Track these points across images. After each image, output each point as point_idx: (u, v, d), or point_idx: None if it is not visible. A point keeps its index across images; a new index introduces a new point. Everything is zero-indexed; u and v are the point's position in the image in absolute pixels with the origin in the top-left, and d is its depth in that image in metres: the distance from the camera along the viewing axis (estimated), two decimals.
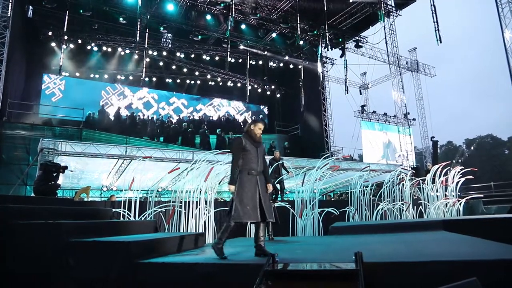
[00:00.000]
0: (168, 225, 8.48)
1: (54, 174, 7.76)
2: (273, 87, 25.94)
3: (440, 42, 17.79)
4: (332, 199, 16.54)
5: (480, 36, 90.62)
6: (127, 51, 20.44)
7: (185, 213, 8.40)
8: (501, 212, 9.72)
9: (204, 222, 8.56)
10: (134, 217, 8.45)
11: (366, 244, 4.87)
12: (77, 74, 20.26)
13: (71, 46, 19.05)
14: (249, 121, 6.14)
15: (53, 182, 7.70)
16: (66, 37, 17.56)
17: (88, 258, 4.00)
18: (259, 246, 4.16)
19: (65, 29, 17.01)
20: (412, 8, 21.54)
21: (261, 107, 26.58)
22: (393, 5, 20.89)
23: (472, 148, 53.87)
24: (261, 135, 4.55)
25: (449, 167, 11.73)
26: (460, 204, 11.25)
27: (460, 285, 2.43)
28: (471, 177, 12.10)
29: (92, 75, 20.74)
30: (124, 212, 8.47)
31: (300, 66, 23.64)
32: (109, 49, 20.17)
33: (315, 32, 21.04)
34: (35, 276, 4.00)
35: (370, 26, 22.09)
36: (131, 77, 21.55)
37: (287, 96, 25.53)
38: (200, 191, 8.53)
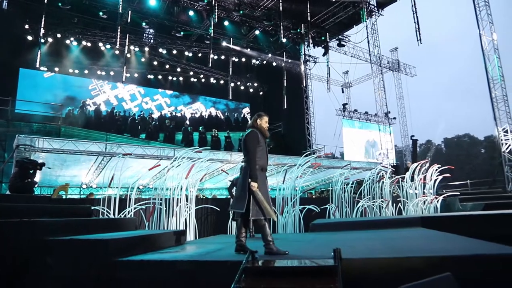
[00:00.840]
0: (148, 222, 8.42)
1: (31, 171, 7.57)
2: (255, 84, 25.93)
3: (421, 42, 18.11)
4: (313, 197, 16.65)
5: (460, 38, 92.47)
6: (108, 46, 20.08)
7: (165, 210, 8.34)
8: (476, 209, 9.95)
9: (185, 219, 8.53)
10: (114, 214, 8.35)
11: (345, 241, 4.93)
12: (56, 69, 19.78)
13: (50, 40, 18.60)
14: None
15: (29, 180, 7.52)
16: (43, 31, 17.09)
17: (66, 257, 3.93)
18: (240, 242, 4.14)
19: (42, 23, 16.58)
20: (395, 9, 21.88)
21: (244, 104, 26.51)
22: (375, 4, 21.13)
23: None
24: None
25: (426, 165, 11.98)
26: (437, 201, 11.49)
27: (435, 280, 2.48)
28: (448, 175, 12.38)
29: (71, 70, 20.27)
30: (104, 209, 8.36)
31: (283, 64, 23.70)
32: (89, 44, 19.74)
33: (298, 30, 21.12)
34: (10, 276, 3.91)
35: (354, 26, 22.32)
36: (112, 73, 21.19)
37: (270, 94, 25.55)
38: (181, 188, 8.49)
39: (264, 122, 4.38)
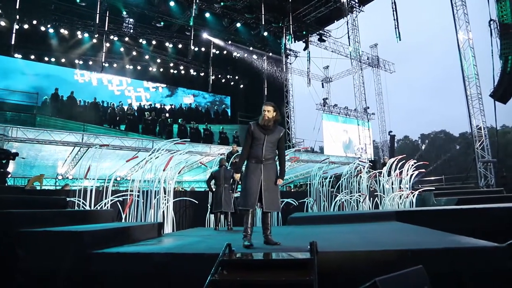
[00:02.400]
0: (125, 214, 8.32)
1: (4, 161, 7.37)
2: (236, 77, 25.80)
3: (400, 39, 18.36)
4: (292, 190, 16.79)
5: (438, 37, 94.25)
6: (86, 34, 19.55)
7: (143, 202, 8.26)
8: (450, 204, 10.21)
9: (163, 212, 8.47)
10: (90, 206, 8.22)
11: (322, 234, 4.99)
12: (32, 56, 19.19)
13: (25, 26, 17.92)
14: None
15: (2, 170, 7.32)
16: (18, 16, 16.46)
17: (39, 249, 3.85)
18: (267, 236, 4.22)
19: (17, 7, 15.96)
20: (375, 7, 22.17)
21: (224, 97, 26.37)
22: (356, 0, 21.31)
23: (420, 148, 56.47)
24: (272, 119, 4.29)
25: (404, 160, 12.22)
26: (413, 196, 11.74)
27: (407, 272, 2.54)
28: (423, 170, 12.66)
29: (47, 58, 19.69)
30: (80, 201, 8.22)
31: (263, 57, 23.64)
32: (67, 32, 19.13)
33: (279, 24, 21.09)
34: None
35: (335, 21, 22.47)
36: (90, 62, 20.72)
37: (250, 87, 25.47)
38: (159, 181, 8.42)
39: (263, 111, 4.35)
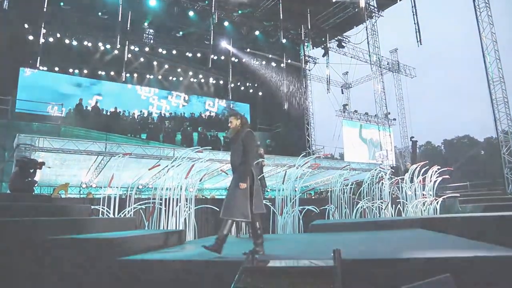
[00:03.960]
0: (148, 222, 8.41)
1: (31, 171, 7.58)
2: (255, 85, 25.91)
3: (421, 43, 18.13)
4: (313, 197, 16.66)
5: (461, 40, 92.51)
6: (108, 46, 20.07)
7: (165, 210, 8.34)
8: (475, 211, 9.94)
9: (185, 219, 8.53)
10: (114, 214, 8.34)
11: (345, 242, 4.94)
12: (56, 68, 19.81)
13: (50, 40, 18.58)
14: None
15: (29, 179, 7.52)
16: (44, 31, 17.08)
17: (66, 256, 3.94)
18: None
19: (43, 23, 16.57)
20: (394, 11, 21.96)
21: (243, 104, 26.48)
22: (375, 5, 21.19)
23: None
24: (235, 128, 4.32)
25: (427, 167, 11.97)
26: (437, 202, 11.48)
27: (434, 281, 2.49)
28: (447, 176, 12.37)
29: (71, 70, 20.33)
30: (103, 209, 8.36)
31: (282, 65, 23.67)
32: (90, 44, 19.74)
33: (298, 31, 21.15)
34: (10, 274, 3.92)
35: (354, 26, 22.38)
36: (112, 73, 21.22)
37: (270, 94, 25.52)
38: (180, 188, 8.49)
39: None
